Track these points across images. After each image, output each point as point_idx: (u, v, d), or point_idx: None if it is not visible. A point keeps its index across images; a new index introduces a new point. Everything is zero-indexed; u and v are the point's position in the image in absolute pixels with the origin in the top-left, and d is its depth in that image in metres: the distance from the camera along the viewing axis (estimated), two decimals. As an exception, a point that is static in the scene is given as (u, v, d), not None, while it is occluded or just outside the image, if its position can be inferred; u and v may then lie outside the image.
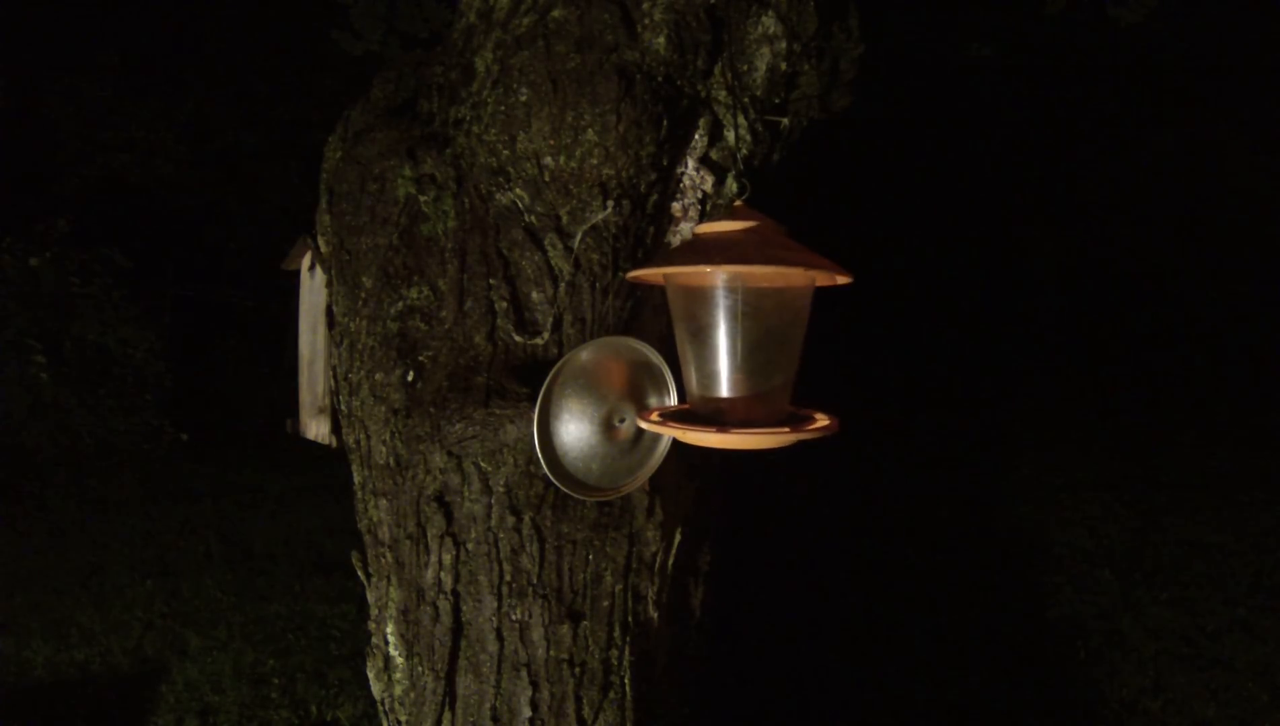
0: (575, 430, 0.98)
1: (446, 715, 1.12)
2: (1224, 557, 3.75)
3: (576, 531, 1.10)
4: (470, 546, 1.08)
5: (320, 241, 1.36)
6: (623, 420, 1.00)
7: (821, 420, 0.89)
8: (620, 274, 1.09)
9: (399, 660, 1.16)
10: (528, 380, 1.05)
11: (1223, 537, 3.99)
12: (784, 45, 1.12)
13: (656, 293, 1.15)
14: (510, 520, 1.07)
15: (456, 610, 1.10)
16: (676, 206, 1.16)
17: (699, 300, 0.87)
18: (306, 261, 1.51)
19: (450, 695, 1.11)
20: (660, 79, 1.05)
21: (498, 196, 1.10)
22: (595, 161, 1.03)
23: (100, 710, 2.54)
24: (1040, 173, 8.52)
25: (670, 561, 1.21)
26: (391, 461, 1.12)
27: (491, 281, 1.09)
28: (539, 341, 1.08)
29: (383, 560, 1.18)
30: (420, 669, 1.12)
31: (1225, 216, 8.25)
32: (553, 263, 1.08)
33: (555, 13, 1.05)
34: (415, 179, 1.13)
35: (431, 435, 1.06)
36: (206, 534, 4.12)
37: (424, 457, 1.08)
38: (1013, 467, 5.41)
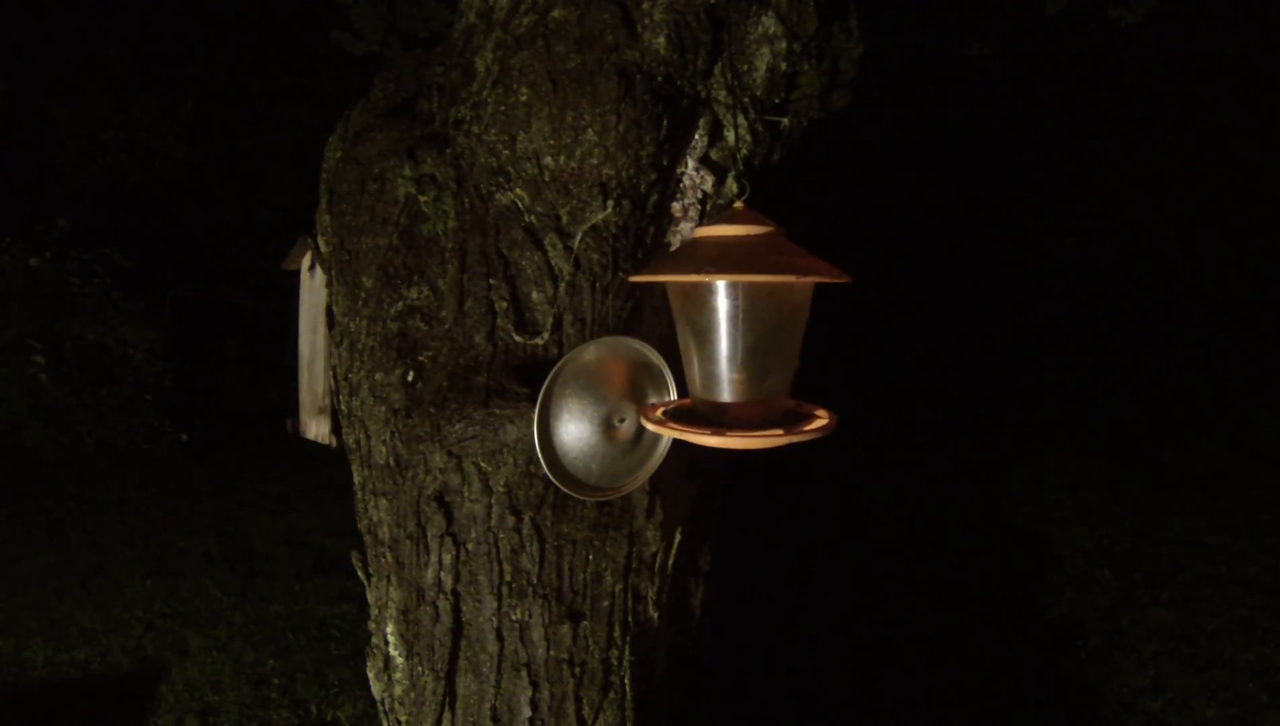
0: (575, 430, 0.98)
1: (446, 715, 1.12)
2: (1224, 558, 3.75)
3: (576, 531, 1.10)
4: (470, 546, 1.08)
5: (320, 241, 1.37)
6: (623, 420, 1.00)
7: (821, 418, 0.90)
8: (620, 274, 1.09)
9: (399, 660, 1.16)
10: (528, 380, 1.05)
11: (1223, 537, 3.99)
12: (784, 45, 1.12)
13: (656, 293, 1.15)
14: (510, 520, 1.07)
15: (456, 610, 1.10)
16: (676, 206, 1.16)
17: (698, 301, 0.87)
18: (306, 261, 1.51)
19: (450, 695, 1.11)
20: (660, 79, 1.05)
21: (498, 196, 1.10)
22: (595, 161, 1.03)
23: (100, 710, 2.54)
24: (1041, 172, 8.52)
25: (670, 561, 1.21)
26: (391, 461, 1.12)
27: (491, 281, 1.09)
28: (539, 341, 1.08)
29: (383, 560, 1.18)
30: (420, 669, 1.12)
31: (1226, 216, 8.25)
32: (553, 263, 1.08)
33: (555, 13, 1.05)
34: (415, 179, 1.13)
35: (431, 435, 1.06)
36: (206, 534, 4.12)
37: (424, 457, 1.08)
38: (1013, 467, 5.41)
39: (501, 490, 1.07)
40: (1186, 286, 8.82)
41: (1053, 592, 3.40)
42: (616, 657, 1.14)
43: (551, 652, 1.09)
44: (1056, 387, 8.16)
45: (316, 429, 1.50)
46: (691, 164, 1.14)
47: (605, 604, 1.12)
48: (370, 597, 1.22)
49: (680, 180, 1.14)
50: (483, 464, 1.07)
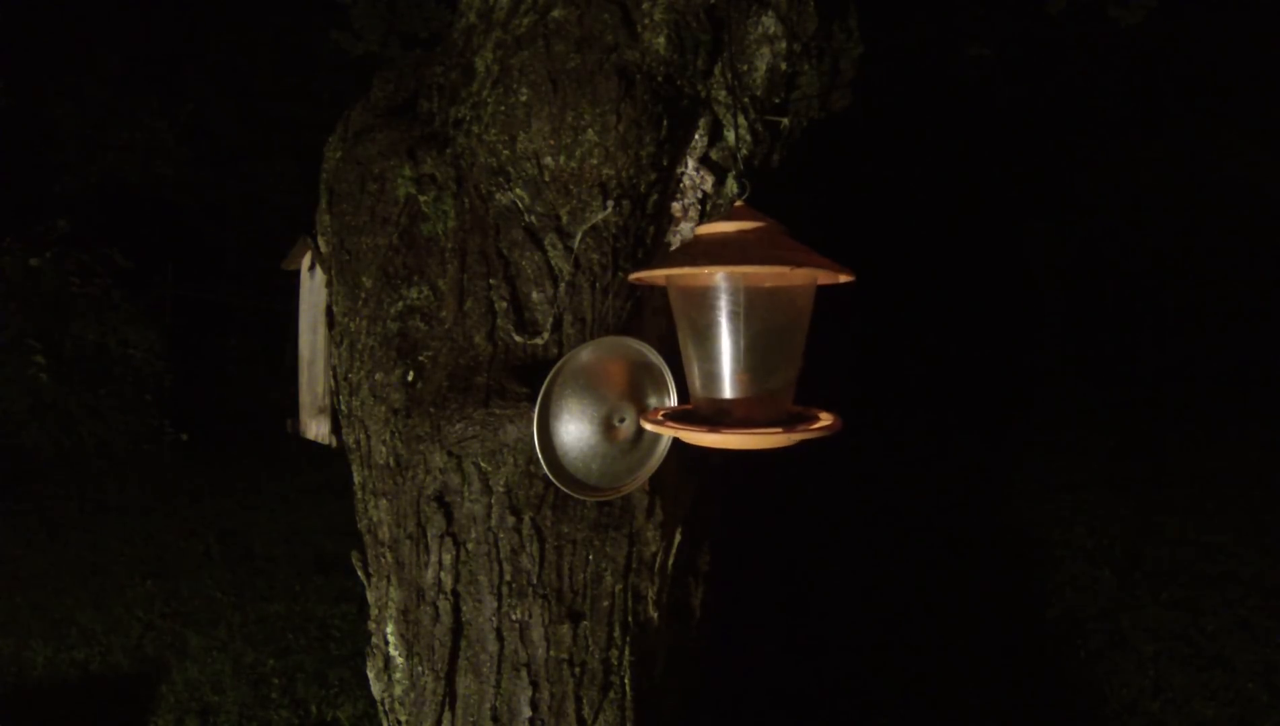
0: (575, 430, 0.98)
1: (446, 715, 1.12)
2: (1224, 557, 3.75)
3: (576, 531, 1.10)
4: (470, 546, 1.08)
5: (320, 241, 1.37)
6: (622, 420, 1.00)
7: (824, 419, 0.89)
8: (620, 274, 1.09)
9: (399, 660, 1.16)
10: (528, 380, 1.05)
11: (1223, 537, 3.98)
12: (784, 45, 1.12)
13: (656, 293, 1.15)
14: (510, 520, 1.07)
15: (456, 610, 1.10)
16: (676, 206, 1.16)
17: (700, 301, 0.87)
18: (306, 261, 1.51)
19: (450, 695, 1.11)
20: (660, 79, 1.05)
21: (498, 196, 1.10)
22: (595, 161, 1.03)
23: (100, 710, 2.54)
24: (1041, 172, 8.52)
25: (670, 561, 1.21)
26: (391, 461, 1.12)
27: (491, 281, 1.09)
28: (539, 341, 1.08)
29: (383, 560, 1.18)
30: (420, 669, 1.12)
31: (1227, 216, 8.25)
32: (553, 263, 1.08)
33: (555, 13, 1.05)
34: (415, 179, 1.13)
35: (431, 435, 1.06)
36: (206, 534, 4.12)
37: (424, 457, 1.08)
38: (1013, 467, 5.41)
39: (501, 490, 1.07)
40: (1187, 286, 8.81)
41: (1053, 592, 3.40)
42: (616, 657, 1.14)
43: (551, 652, 1.09)
44: (1056, 387, 8.16)
45: (316, 429, 1.50)
46: (691, 164, 1.14)
47: (605, 604, 1.12)
48: (370, 597, 1.22)
49: (680, 180, 1.14)
50: (483, 464, 1.07)
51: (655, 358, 1.03)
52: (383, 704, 1.21)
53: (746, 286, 0.84)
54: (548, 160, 1.05)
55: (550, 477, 0.97)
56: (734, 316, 0.85)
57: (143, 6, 7.36)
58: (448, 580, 1.09)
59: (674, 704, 1.33)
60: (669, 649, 1.29)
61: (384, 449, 1.13)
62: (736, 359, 0.86)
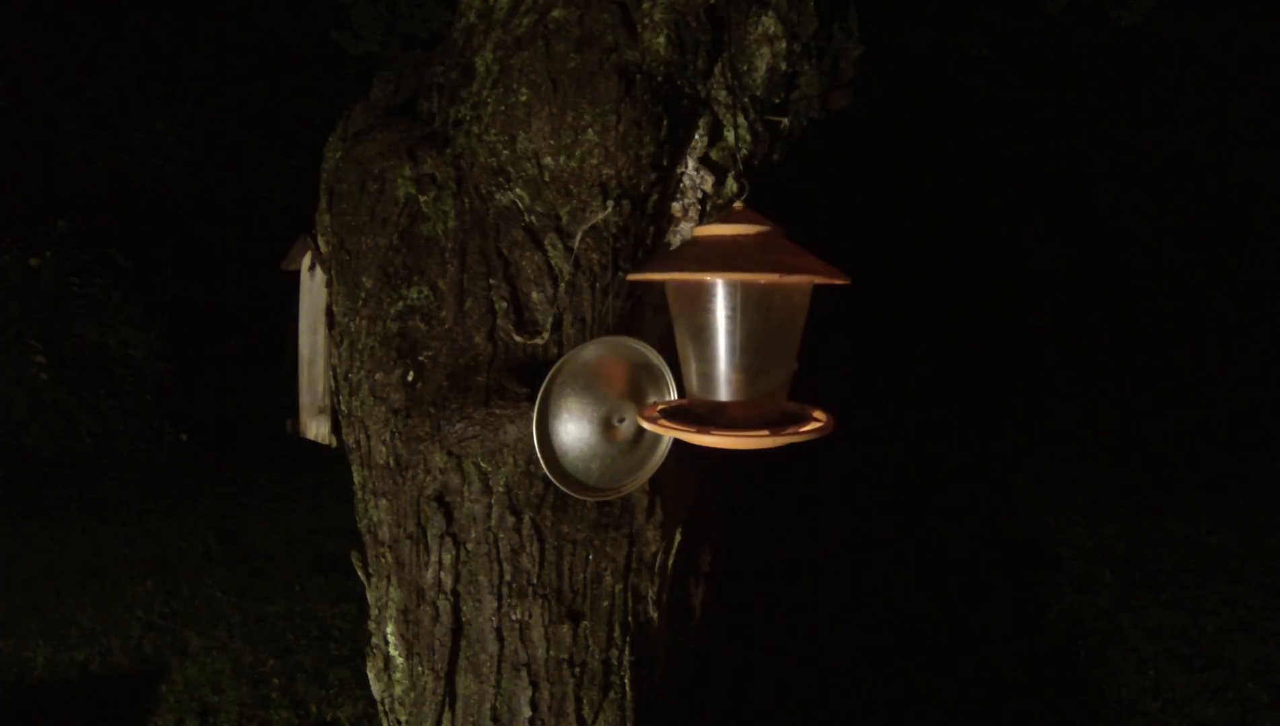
0: (574, 430, 0.98)
1: (446, 715, 1.12)
2: (1224, 557, 3.75)
3: (576, 531, 1.10)
4: (470, 546, 1.08)
5: (320, 241, 1.37)
6: (622, 420, 1.00)
7: (818, 420, 0.90)
8: (620, 274, 1.09)
9: (399, 660, 1.16)
10: (528, 380, 1.05)
11: (1223, 537, 3.99)
12: (784, 45, 1.12)
13: (656, 293, 1.15)
14: (510, 520, 1.07)
15: (456, 610, 1.10)
16: (676, 206, 1.16)
17: (697, 301, 0.87)
18: (306, 261, 1.51)
19: (450, 695, 1.11)
20: (660, 79, 1.05)
21: (498, 196, 1.10)
22: (595, 161, 1.04)
23: (100, 710, 2.54)
24: (1041, 171, 8.52)
25: (670, 561, 1.21)
26: (391, 461, 1.12)
27: (491, 281, 1.09)
28: (539, 341, 1.08)
29: (383, 560, 1.18)
30: (420, 669, 1.12)
31: (1227, 216, 8.25)
32: (553, 263, 1.08)
33: (555, 13, 1.05)
34: (415, 179, 1.13)
35: (431, 435, 1.06)
36: (206, 534, 4.12)
37: (424, 457, 1.09)
38: (1013, 467, 5.41)
39: (501, 490, 1.07)
40: (1187, 286, 8.81)
41: (1053, 592, 3.40)
42: (616, 657, 1.14)
43: (551, 652, 1.09)
44: (1056, 387, 8.16)
45: (316, 429, 1.50)
46: (691, 164, 1.14)
47: (605, 604, 1.12)
48: (370, 597, 1.22)
49: (680, 180, 1.14)
50: (483, 464, 1.07)
51: (655, 358, 1.03)
52: (383, 704, 1.21)
53: (742, 288, 0.84)
54: (548, 160, 1.05)
55: (549, 478, 0.97)
56: (729, 317, 0.85)
57: (143, 6, 7.36)
58: (448, 580, 1.09)
59: (674, 704, 1.33)
60: (669, 649, 1.29)
61: (384, 449, 1.13)
62: (731, 359, 0.86)
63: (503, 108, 1.06)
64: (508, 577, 1.08)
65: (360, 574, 1.24)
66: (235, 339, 8.78)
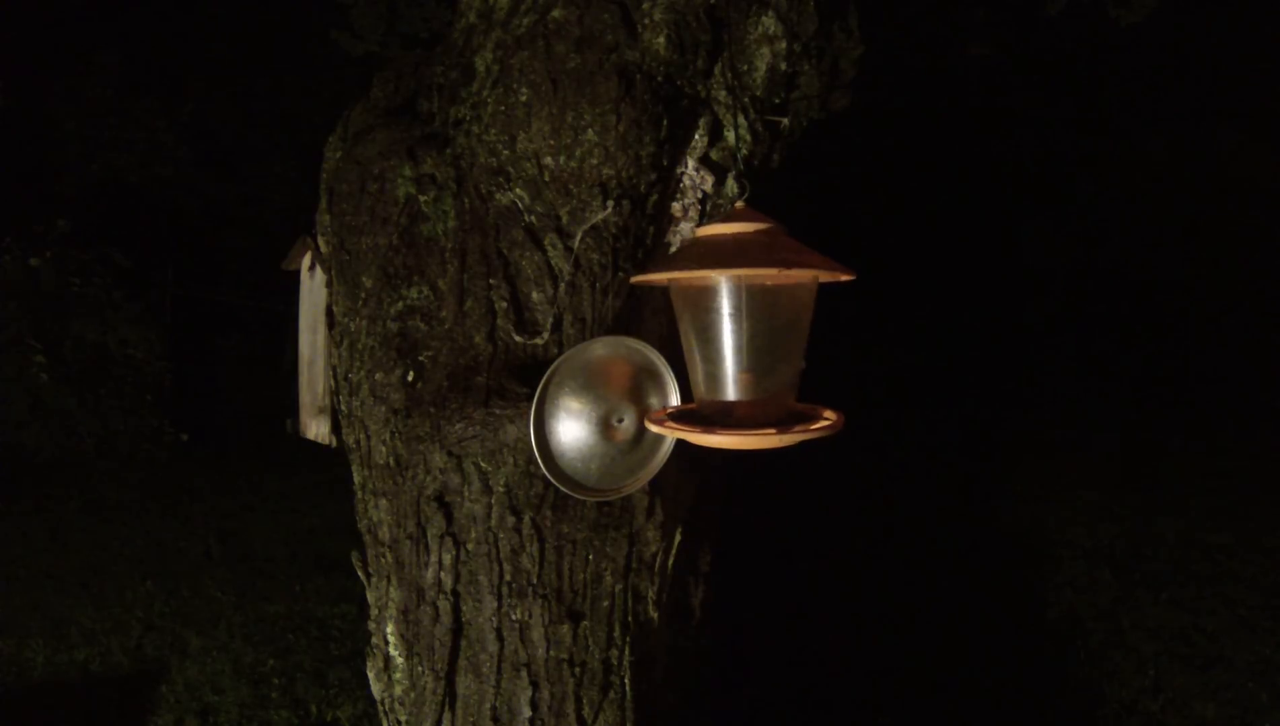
0: (573, 430, 0.98)
1: (446, 715, 1.12)
2: (1224, 557, 3.75)
3: (576, 531, 1.10)
4: (470, 546, 1.08)
5: (320, 241, 1.37)
6: (621, 420, 1.00)
7: (826, 418, 0.89)
8: (620, 274, 1.09)
9: (399, 660, 1.16)
10: (528, 380, 1.05)
11: (1223, 537, 3.98)
12: (784, 45, 1.12)
13: (656, 292, 1.15)
14: (510, 520, 1.07)
15: (456, 610, 1.10)
16: (676, 206, 1.16)
17: (702, 301, 0.87)
18: (306, 261, 1.51)
19: (450, 695, 1.11)
20: (660, 79, 1.05)
21: (498, 196, 1.10)
22: (595, 161, 1.03)
23: (100, 710, 2.54)
24: (1041, 171, 8.52)
25: (670, 561, 1.21)
26: (391, 461, 1.12)
27: (491, 281, 1.09)
28: (539, 341, 1.08)
29: (383, 560, 1.18)
30: (420, 669, 1.12)
31: (1227, 216, 8.25)
32: (553, 263, 1.08)
33: (555, 13, 1.05)
34: (415, 179, 1.13)
35: (431, 435, 1.06)
36: (206, 534, 4.12)
37: (424, 457, 1.08)
38: (1013, 467, 5.41)
39: (501, 490, 1.07)
40: (1187, 285, 8.81)
41: (1053, 592, 3.40)
42: (616, 657, 1.14)
43: (551, 652, 1.09)
44: (1056, 387, 8.16)
45: (316, 429, 1.50)
46: (691, 164, 1.14)
47: (605, 604, 1.12)
48: (370, 597, 1.22)
49: (680, 180, 1.14)
50: (483, 464, 1.07)
51: (655, 357, 1.02)
52: (383, 704, 1.21)
53: (747, 287, 0.84)
54: (548, 160, 1.05)
55: (548, 477, 0.97)
56: (735, 317, 0.85)
57: (143, 6, 7.36)
58: (448, 580, 1.09)
59: (674, 704, 1.33)
60: (669, 649, 1.29)
61: (384, 449, 1.13)
62: (738, 359, 0.86)
63: (503, 108, 1.06)
64: (508, 577, 1.08)
65: (360, 574, 1.24)
66: (235, 339, 8.78)
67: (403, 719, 1.18)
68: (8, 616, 3.09)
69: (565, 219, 1.08)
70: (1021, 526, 4.28)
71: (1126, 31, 2.85)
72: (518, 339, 1.08)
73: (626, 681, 1.15)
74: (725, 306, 0.85)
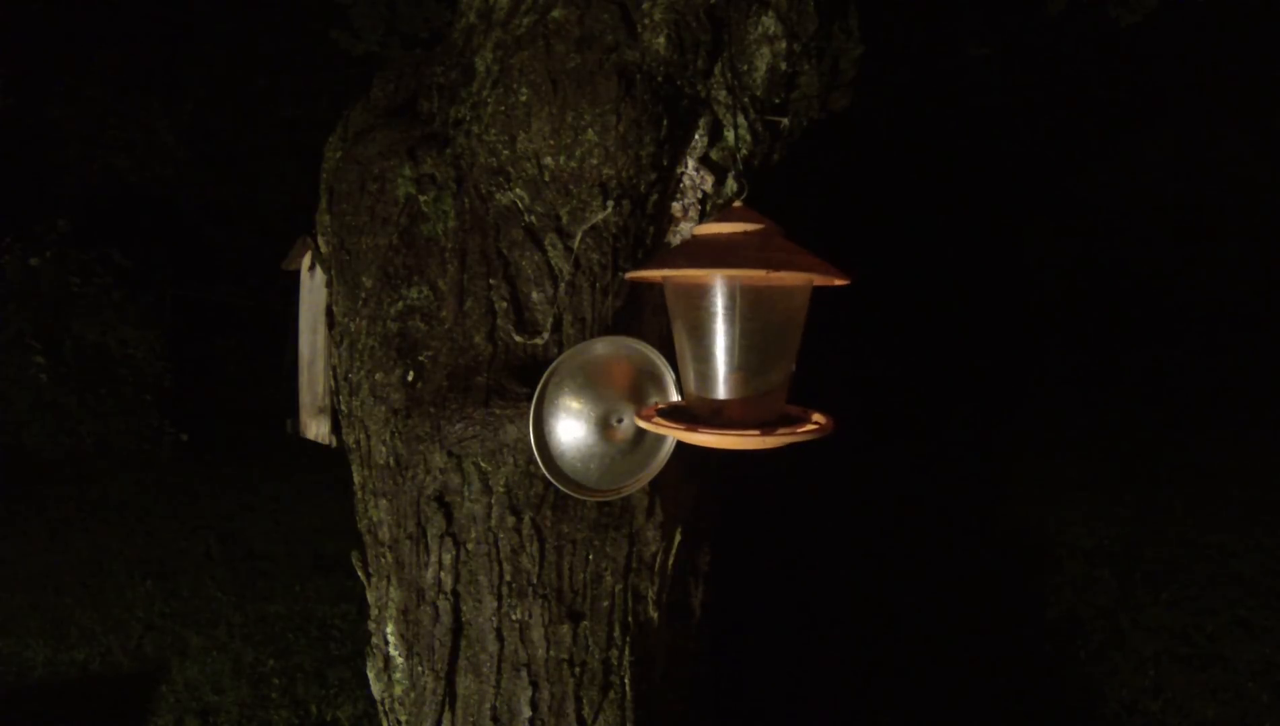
0: (573, 430, 0.98)
1: (446, 715, 1.12)
2: (1224, 557, 3.75)
3: (576, 531, 1.10)
4: (470, 546, 1.08)
5: (320, 241, 1.37)
6: (621, 420, 1.00)
7: (817, 421, 0.89)
8: (620, 274, 1.09)
9: (399, 660, 1.16)
10: (528, 380, 1.05)
11: (1223, 537, 3.98)
12: (784, 45, 1.12)
13: (656, 293, 1.15)
14: (510, 520, 1.07)
15: (456, 610, 1.10)
16: (676, 206, 1.16)
17: (696, 300, 0.87)
18: (306, 261, 1.51)
19: (450, 695, 1.11)
20: (660, 79, 1.05)
21: (498, 196, 1.10)
22: (595, 161, 1.03)
23: (100, 710, 2.54)
24: (1041, 170, 8.52)
25: (670, 561, 1.21)
26: (391, 461, 1.12)
27: (491, 281, 1.09)
28: (539, 341, 1.08)
29: (383, 560, 1.18)
30: (420, 669, 1.12)
31: (1227, 215, 8.25)
32: (553, 263, 1.08)
33: (555, 13, 1.05)
34: (415, 179, 1.13)
35: (431, 435, 1.06)
36: (206, 534, 4.12)
37: (424, 457, 1.08)
38: (1013, 467, 5.41)
39: (501, 490, 1.07)
40: (1187, 284, 8.81)
41: (1053, 592, 3.40)
42: (616, 657, 1.14)
43: (551, 652, 1.09)
44: (1056, 387, 8.16)
45: (316, 429, 1.50)
46: (691, 164, 1.14)
47: (605, 604, 1.12)
48: (370, 597, 1.22)
49: (680, 180, 1.14)
50: (483, 464, 1.06)
51: (654, 357, 1.02)
52: (383, 704, 1.21)
53: (741, 287, 0.84)
54: (548, 160, 1.05)
55: (548, 477, 0.97)
56: (728, 316, 0.85)
57: (143, 6, 7.36)
58: (448, 580, 1.09)
59: (674, 704, 1.33)
60: (669, 649, 1.29)
61: (384, 449, 1.13)
62: (729, 358, 0.86)
63: (503, 108, 1.06)
64: (508, 577, 1.08)
65: (360, 574, 1.24)
66: (235, 339, 8.78)
67: (403, 719, 1.18)
68: (8, 616, 3.09)
69: (565, 219, 1.08)
70: (1021, 526, 4.28)
71: (1126, 31, 2.85)
72: (518, 339, 1.08)
73: (626, 681, 1.15)
74: (717, 305, 0.85)
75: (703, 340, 0.87)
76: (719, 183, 1.15)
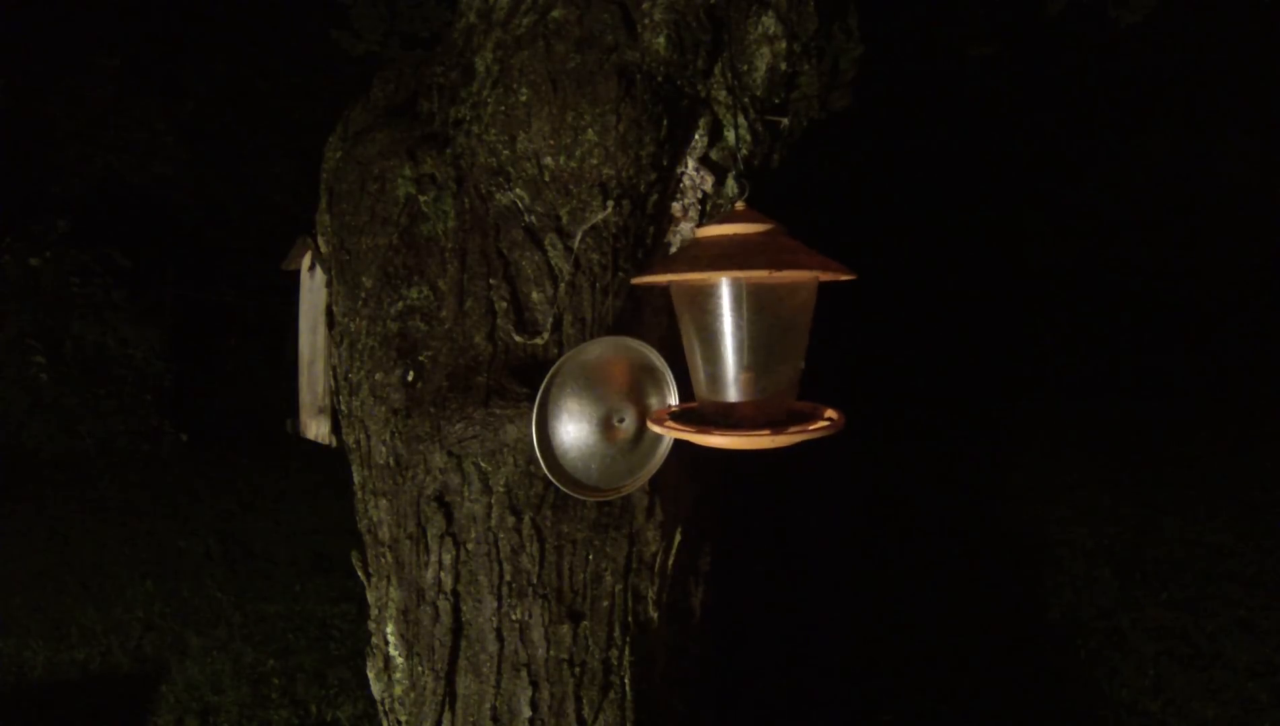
0: (574, 430, 0.98)
1: (446, 715, 1.12)
2: (1224, 557, 3.75)
3: (576, 531, 1.10)
4: (470, 546, 1.08)
5: (320, 241, 1.37)
6: (622, 420, 1.00)
7: (829, 417, 0.89)
8: (620, 274, 1.09)
9: (399, 660, 1.16)
10: (528, 380, 1.05)
11: (1223, 537, 3.98)
12: (784, 45, 1.12)
13: (656, 292, 1.15)
14: (510, 520, 1.07)
15: (456, 610, 1.10)
16: (676, 206, 1.16)
17: (703, 302, 0.87)
18: (306, 261, 1.51)
19: (450, 695, 1.11)
20: (660, 79, 1.05)
21: (498, 196, 1.10)
22: (595, 161, 1.03)
23: (100, 710, 2.54)
24: (1041, 172, 8.53)
25: (670, 561, 1.21)
26: (391, 461, 1.12)
27: (491, 281, 1.09)
28: (539, 341, 1.08)
29: (383, 560, 1.18)
30: (420, 669, 1.12)
31: (1227, 215, 8.26)
32: (553, 263, 1.08)
33: (555, 13, 1.05)
34: (415, 179, 1.13)
35: (431, 435, 1.06)
36: (206, 534, 4.12)
37: (424, 457, 1.08)
38: (1013, 467, 5.41)
39: (501, 490, 1.07)
40: (1188, 285, 8.82)
41: (1053, 592, 3.40)
42: (616, 657, 1.14)
43: (551, 652, 1.09)
44: (1057, 387, 8.16)
45: (316, 429, 1.50)
46: (691, 164, 1.14)
47: (605, 604, 1.12)
48: (370, 597, 1.22)
49: (680, 180, 1.14)
50: (483, 464, 1.06)
51: (655, 357, 1.02)
52: (383, 704, 1.21)
53: (748, 287, 0.84)
54: (548, 160, 1.05)
55: (549, 478, 0.97)
56: (736, 317, 0.85)
57: (143, 6, 7.36)
58: (448, 580, 1.09)
59: (674, 704, 1.33)
60: (669, 649, 1.29)
61: (384, 449, 1.13)
62: (738, 359, 0.86)
63: (503, 108, 1.06)
64: (508, 577, 1.08)
65: (360, 574, 1.24)
66: (235, 339, 8.78)
67: (403, 719, 1.18)
68: (8, 616, 3.09)
69: (565, 219, 1.08)
70: (1021, 526, 4.28)
71: (1126, 31, 2.85)
72: (518, 339, 1.08)
73: (626, 681, 1.15)
74: (725, 307, 0.85)
75: (711, 342, 0.87)
76: (719, 183, 1.15)
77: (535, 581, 1.08)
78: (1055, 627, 3.09)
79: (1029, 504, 4.62)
